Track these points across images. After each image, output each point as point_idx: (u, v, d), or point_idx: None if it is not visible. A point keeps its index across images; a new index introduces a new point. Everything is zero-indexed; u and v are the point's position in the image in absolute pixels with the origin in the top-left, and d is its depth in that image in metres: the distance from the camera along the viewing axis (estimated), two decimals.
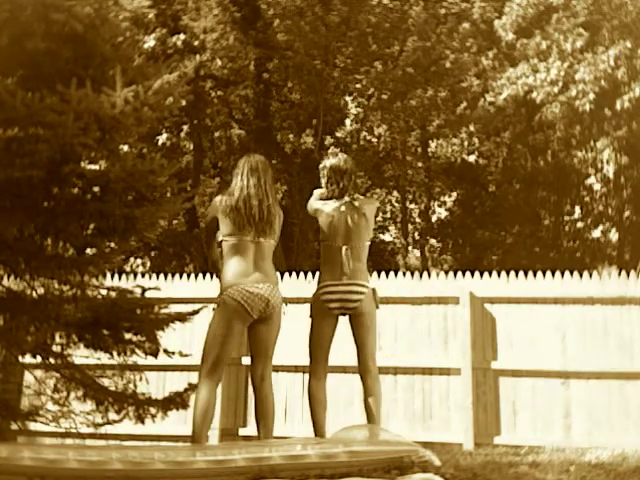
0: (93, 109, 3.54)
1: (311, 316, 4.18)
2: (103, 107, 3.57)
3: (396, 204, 18.36)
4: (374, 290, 4.13)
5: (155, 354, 4.33)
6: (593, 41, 11.17)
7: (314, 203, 4.27)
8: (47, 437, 5.68)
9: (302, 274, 6.86)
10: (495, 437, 6.13)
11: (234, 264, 3.70)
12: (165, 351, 4.39)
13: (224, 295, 3.66)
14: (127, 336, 4.24)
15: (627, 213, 13.37)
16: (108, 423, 4.41)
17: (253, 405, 3.88)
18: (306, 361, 6.61)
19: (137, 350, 4.28)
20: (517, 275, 6.49)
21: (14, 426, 4.56)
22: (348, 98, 14.95)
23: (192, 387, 4.51)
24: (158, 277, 7.04)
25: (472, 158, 16.10)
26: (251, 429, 6.42)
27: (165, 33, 12.07)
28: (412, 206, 17.97)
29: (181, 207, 4.20)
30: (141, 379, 4.58)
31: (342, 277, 4.07)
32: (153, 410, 4.38)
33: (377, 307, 4.15)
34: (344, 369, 6.45)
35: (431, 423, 6.29)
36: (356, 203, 4.15)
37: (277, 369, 6.57)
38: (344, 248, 4.08)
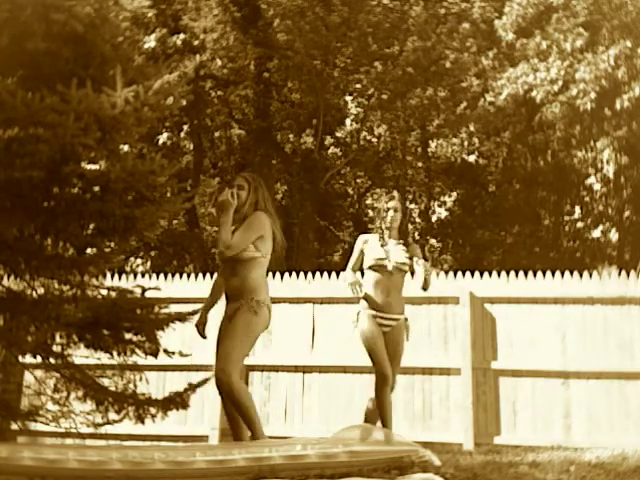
0: (93, 109, 3.54)
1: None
2: (103, 107, 3.57)
3: None
4: (406, 319, 4.57)
5: (155, 354, 4.33)
6: (593, 41, 11.16)
7: None
8: (47, 437, 5.68)
9: (302, 274, 6.86)
10: (495, 437, 6.12)
11: (265, 281, 3.92)
12: (165, 351, 4.38)
13: (264, 305, 3.82)
14: (127, 336, 4.24)
15: (627, 213, 13.36)
16: (108, 423, 4.41)
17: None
18: (305, 361, 6.65)
19: (137, 350, 4.28)
20: (517, 275, 6.49)
21: (14, 426, 4.57)
22: (348, 98, 14.95)
23: (192, 387, 4.51)
24: (158, 277, 7.04)
25: (472, 158, 16.11)
26: None
27: (165, 33, 12.08)
28: (412, 206, 17.97)
29: (181, 207, 4.20)
30: (141, 379, 4.57)
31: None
32: (153, 410, 4.38)
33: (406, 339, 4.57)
34: (344, 369, 6.47)
35: (431, 423, 6.29)
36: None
37: (277, 369, 6.59)
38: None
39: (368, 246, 4.61)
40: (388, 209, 4.66)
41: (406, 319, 4.59)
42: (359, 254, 4.64)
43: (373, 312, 4.49)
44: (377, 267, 4.53)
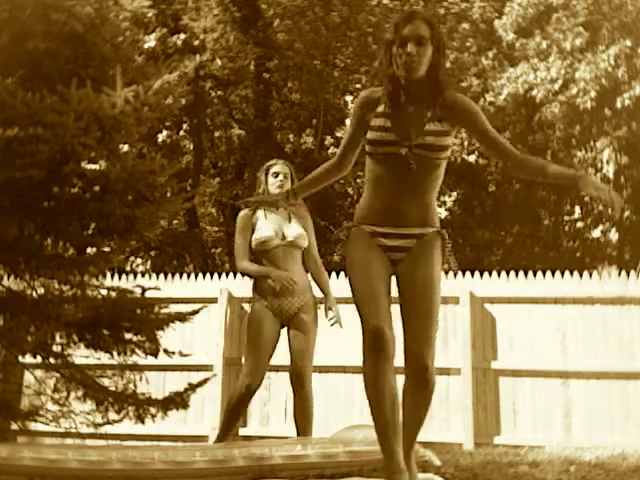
0: (93, 109, 3.55)
1: None
2: (103, 107, 3.58)
3: None
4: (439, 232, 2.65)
5: (155, 354, 4.33)
6: (593, 40, 11.17)
7: None
8: (47, 437, 5.68)
9: None
10: (495, 437, 6.12)
11: None
12: (165, 351, 4.38)
13: None
14: (127, 336, 4.24)
15: (627, 213, 13.36)
16: (108, 423, 4.41)
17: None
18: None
19: (137, 350, 4.28)
20: (517, 275, 6.49)
21: (14, 426, 4.56)
22: (348, 98, 14.95)
23: (192, 387, 4.51)
24: (158, 277, 7.03)
25: (472, 158, 16.08)
26: (251, 429, 6.42)
27: (165, 33, 12.09)
28: None
29: (181, 207, 4.21)
30: (141, 379, 4.57)
31: None
32: (153, 410, 4.38)
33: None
34: (344, 369, 6.46)
35: (431, 423, 6.27)
36: None
37: (277, 369, 6.58)
38: None
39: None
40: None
41: (439, 232, 2.55)
42: None
43: (369, 228, 2.64)
44: (380, 155, 2.58)
